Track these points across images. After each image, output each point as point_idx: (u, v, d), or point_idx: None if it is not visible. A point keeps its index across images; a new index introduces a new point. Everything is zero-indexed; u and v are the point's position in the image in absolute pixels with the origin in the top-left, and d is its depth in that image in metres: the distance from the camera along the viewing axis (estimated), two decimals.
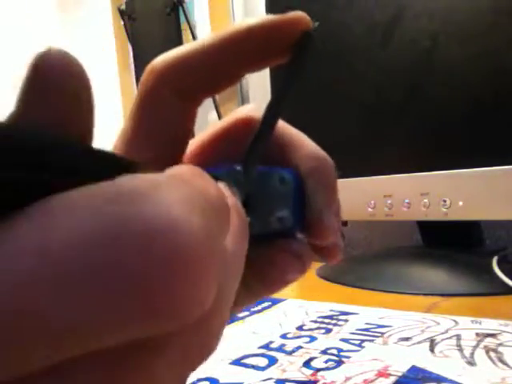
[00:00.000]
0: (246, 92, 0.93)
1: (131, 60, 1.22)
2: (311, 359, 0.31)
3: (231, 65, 0.16)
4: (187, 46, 0.16)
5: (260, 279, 0.17)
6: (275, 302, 0.47)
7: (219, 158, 0.18)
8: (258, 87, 0.73)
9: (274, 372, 0.30)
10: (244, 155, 0.15)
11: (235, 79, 0.17)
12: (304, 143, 0.18)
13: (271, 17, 0.15)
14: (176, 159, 0.17)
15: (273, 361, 0.32)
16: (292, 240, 0.17)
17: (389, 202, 0.55)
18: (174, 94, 0.16)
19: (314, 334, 0.37)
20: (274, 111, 0.15)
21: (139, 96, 0.16)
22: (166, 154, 0.17)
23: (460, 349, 0.31)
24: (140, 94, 0.16)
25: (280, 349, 0.34)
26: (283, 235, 0.17)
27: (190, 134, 0.18)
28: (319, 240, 0.17)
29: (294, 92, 0.16)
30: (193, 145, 0.18)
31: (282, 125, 0.18)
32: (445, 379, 0.27)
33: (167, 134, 0.17)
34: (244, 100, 0.96)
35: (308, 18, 0.15)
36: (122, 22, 1.16)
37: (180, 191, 0.09)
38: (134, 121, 0.16)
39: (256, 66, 0.16)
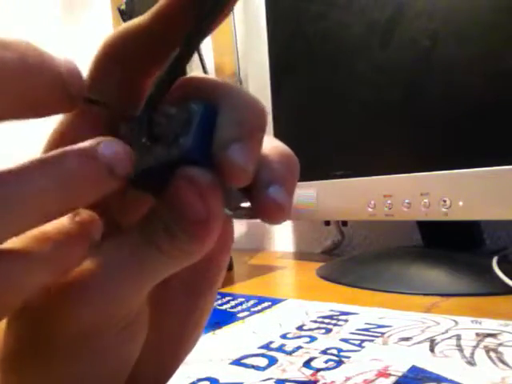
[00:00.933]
0: None
1: None
2: (311, 359, 0.31)
3: (170, 29, 0.16)
4: (133, 21, 0.17)
5: (169, 218, 0.15)
6: (275, 302, 0.47)
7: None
8: (258, 87, 0.73)
9: (274, 372, 0.30)
10: (151, 91, 0.16)
11: (172, 43, 0.17)
12: (226, 85, 0.16)
13: None
14: None
15: (273, 361, 0.32)
16: (191, 166, 0.15)
17: (389, 202, 0.55)
18: (120, 68, 0.17)
19: (314, 333, 0.37)
20: (185, 50, 0.15)
21: (88, 70, 0.17)
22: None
23: (460, 349, 0.31)
24: (89, 67, 0.17)
25: (280, 349, 0.34)
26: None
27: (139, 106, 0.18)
28: (228, 181, 0.15)
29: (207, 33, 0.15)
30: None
31: (203, 75, 0.17)
32: (445, 379, 0.27)
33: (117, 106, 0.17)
34: None
35: None
36: (122, 22, 1.16)
37: None
38: None
39: (186, 23, 0.16)
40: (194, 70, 1.02)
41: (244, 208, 0.18)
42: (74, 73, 0.13)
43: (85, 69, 0.15)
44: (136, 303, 0.16)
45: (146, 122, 0.16)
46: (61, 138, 0.17)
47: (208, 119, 0.15)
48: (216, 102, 0.16)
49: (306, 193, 0.62)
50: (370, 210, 0.57)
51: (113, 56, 0.17)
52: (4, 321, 0.17)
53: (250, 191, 0.16)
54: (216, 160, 0.15)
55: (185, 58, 0.15)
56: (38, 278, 0.13)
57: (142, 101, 0.18)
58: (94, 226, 0.15)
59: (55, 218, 0.13)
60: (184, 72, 0.16)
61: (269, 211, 0.16)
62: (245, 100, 0.16)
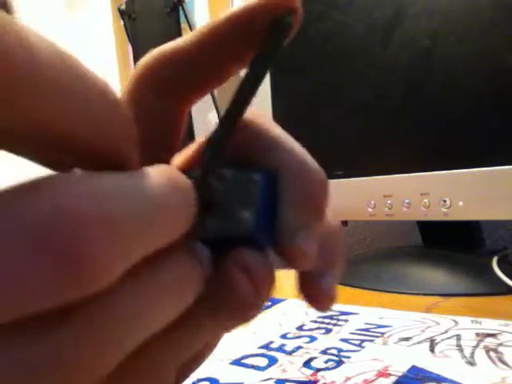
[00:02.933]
0: None
1: (131, 60, 1.22)
2: (311, 359, 0.31)
3: (213, 58, 0.15)
4: (170, 44, 0.16)
5: (217, 298, 0.14)
6: (275, 302, 0.47)
7: None
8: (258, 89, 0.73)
9: (274, 372, 0.30)
10: (201, 157, 0.14)
11: (223, 74, 0.16)
12: (287, 144, 0.15)
13: (247, 2, 0.14)
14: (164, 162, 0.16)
15: (273, 361, 0.32)
16: (247, 251, 0.14)
17: (389, 202, 0.55)
18: (153, 95, 0.16)
19: (314, 334, 0.37)
20: (236, 107, 0.14)
21: (122, 99, 0.16)
22: (152, 157, 0.16)
23: (460, 349, 0.31)
24: (123, 96, 0.16)
25: (280, 349, 0.34)
26: (249, 247, 0.14)
27: (179, 134, 0.17)
28: (290, 264, 0.14)
29: (261, 83, 0.14)
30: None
31: (263, 123, 0.15)
32: (445, 379, 0.27)
33: (151, 135, 0.16)
34: None
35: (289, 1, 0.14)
36: (122, 22, 1.16)
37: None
38: None
39: (240, 56, 0.15)
40: None
41: None
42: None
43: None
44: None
45: (201, 185, 0.13)
46: None
47: (269, 191, 0.14)
48: (277, 164, 0.14)
49: None
50: (370, 210, 0.57)
51: (148, 81, 0.16)
52: None
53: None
54: (280, 244, 0.14)
55: (243, 108, 0.14)
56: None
57: (178, 132, 0.16)
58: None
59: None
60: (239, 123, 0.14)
61: (319, 301, 0.16)
62: (311, 172, 0.15)
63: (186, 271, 0.12)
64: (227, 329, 0.15)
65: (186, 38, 0.15)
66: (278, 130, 0.16)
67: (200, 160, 0.14)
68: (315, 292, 0.16)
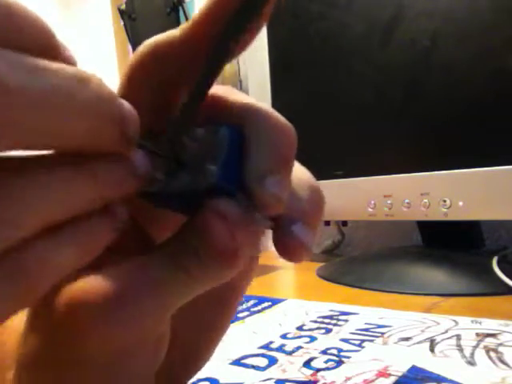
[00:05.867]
0: (246, 93, 0.93)
1: None
2: (311, 359, 0.31)
3: (197, 44, 0.16)
4: (164, 34, 0.16)
5: (199, 246, 0.15)
6: (275, 302, 0.47)
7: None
8: (258, 87, 0.73)
9: (274, 372, 0.30)
10: (178, 113, 0.15)
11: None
12: (254, 103, 0.16)
13: None
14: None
15: (273, 361, 0.32)
16: (221, 200, 0.15)
17: (389, 202, 0.55)
18: (149, 79, 0.17)
19: (314, 333, 0.37)
20: (208, 72, 0.15)
21: (120, 84, 0.17)
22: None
23: (460, 349, 0.31)
24: (121, 81, 0.17)
25: (280, 349, 0.34)
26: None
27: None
28: (262, 210, 0.15)
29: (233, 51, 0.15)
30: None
31: (230, 90, 0.17)
32: (445, 379, 0.27)
33: (150, 119, 0.17)
34: None
35: None
36: (122, 22, 1.16)
37: None
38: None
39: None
40: None
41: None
42: (133, 116, 0.13)
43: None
44: (160, 324, 0.16)
45: (172, 144, 0.15)
46: None
47: (236, 145, 0.15)
48: (245, 123, 0.15)
49: None
50: (370, 210, 0.57)
51: (144, 70, 0.17)
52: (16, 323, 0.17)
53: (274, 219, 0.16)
54: (250, 191, 0.15)
55: (213, 75, 0.15)
56: (66, 257, 0.13)
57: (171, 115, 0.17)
58: (118, 205, 0.15)
59: (81, 209, 0.13)
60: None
61: (289, 249, 0.16)
62: (277, 125, 0.16)
63: (91, 169, 0.13)
64: (215, 279, 0.15)
65: (181, 28, 0.16)
66: (243, 95, 0.16)
67: (172, 121, 0.15)
68: (285, 239, 0.16)
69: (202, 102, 0.15)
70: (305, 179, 0.18)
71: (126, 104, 0.13)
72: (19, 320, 0.17)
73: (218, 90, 0.16)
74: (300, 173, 0.18)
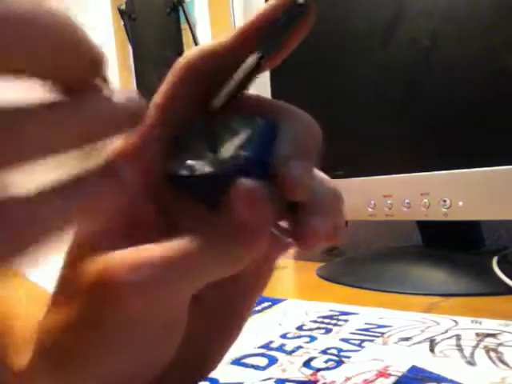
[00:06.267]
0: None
1: (131, 60, 1.22)
2: (311, 359, 0.31)
3: (243, 50, 0.17)
4: (209, 43, 0.18)
5: (222, 223, 0.16)
6: (275, 301, 0.47)
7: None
8: (258, 87, 0.73)
9: (274, 372, 0.30)
10: (213, 101, 0.17)
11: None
12: (287, 105, 0.18)
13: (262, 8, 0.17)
14: None
15: (273, 361, 0.32)
16: (248, 179, 0.16)
17: (389, 202, 0.55)
18: (195, 82, 0.18)
19: (314, 333, 0.37)
20: (254, 67, 0.16)
21: (169, 84, 0.18)
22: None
23: (460, 349, 0.31)
24: (163, 88, 0.18)
25: (280, 349, 0.34)
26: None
27: None
28: (286, 195, 0.16)
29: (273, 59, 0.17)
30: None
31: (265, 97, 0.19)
32: (445, 379, 0.27)
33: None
34: None
35: None
36: (122, 22, 1.16)
37: None
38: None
39: None
40: None
41: (281, 228, 0.19)
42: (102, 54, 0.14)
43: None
44: (181, 302, 0.17)
45: (209, 132, 0.16)
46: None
47: (269, 135, 0.16)
48: (277, 119, 0.17)
49: None
50: (370, 209, 0.57)
51: (193, 73, 0.18)
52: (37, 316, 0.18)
53: (294, 213, 0.17)
54: (277, 174, 0.16)
55: (254, 72, 0.16)
56: (60, 213, 0.13)
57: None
58: (122, 165, 0.15)
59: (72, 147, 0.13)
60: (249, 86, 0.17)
61: (307, 238, 0.17)
62: (304, 120, 0.18)
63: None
64: (235, 262, 0.16)
65: (228, 35, 0.18)
66: (279, 101, 0.19)
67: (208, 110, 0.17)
68: (303, 229, 0.17)
69: (241, 93, 0.17)
70: (327, 180, 0.19)
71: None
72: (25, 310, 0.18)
73: (252, 94, 0.18)
74: (323, 175, 0.20)
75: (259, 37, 0.17)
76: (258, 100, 0.18)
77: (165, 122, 0.18)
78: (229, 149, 0.16)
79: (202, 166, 0.16)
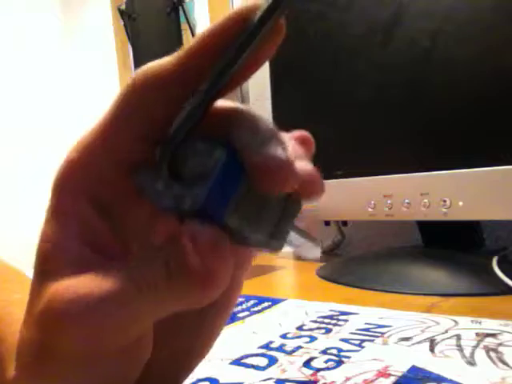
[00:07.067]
0: (247, 93, 0.93)
1: (131, 60, 1.22)
2: (311, 359, 0.31)
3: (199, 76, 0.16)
4: (155, 63, 0.16)
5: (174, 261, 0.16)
6: (275, 301, 0.47)
7: None
8: (258, 87, 0.73)
9: (274, 372, 0.30)
10: (172, 130, 0.15)
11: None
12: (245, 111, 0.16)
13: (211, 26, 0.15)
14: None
15: (273, 361, 0.31)
16: (196, 223, 0.14)
17: (389, 202, 0.55)
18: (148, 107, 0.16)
19: (314, 333, 0.37)
20: (216, 82, 0.14)
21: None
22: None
23: (460, 349, 0.31)
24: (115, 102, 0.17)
25: (280, 349, 0.34)
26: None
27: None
28: (267, 185, 0.15)
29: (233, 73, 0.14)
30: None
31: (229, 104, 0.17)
32: (445, 379, 0.27)
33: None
34: (244, 100, 0.96)
35: (251, 5, 0.14)
36: (122, 22, 1.16)
37: None
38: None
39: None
40: None
41: (297, 230, 0.18)
42: None
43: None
44: (140, 329, 0.16)
45: (169, 154, 0.15)
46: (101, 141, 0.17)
47: (230, 169, 0.15)
48: (236, 131, 0.15)
49: None
50: (370, 210, 0.57)
51: (139, 96, 0.16)
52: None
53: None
54: (254, 167, 0.15)
55: (214, 91, 0.15)
56: None
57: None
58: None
59: None
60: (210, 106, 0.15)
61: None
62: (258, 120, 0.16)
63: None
64: (187, 300, 0.15)
65: (169, 58, 0.16)
66: (243, 108, 0.16)
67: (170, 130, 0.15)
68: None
69: (204, 114, 0.15)
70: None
71: None
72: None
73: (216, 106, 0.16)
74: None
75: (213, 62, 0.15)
76: (218, 115, 0.16)
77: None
78: (191, 180, 0.14)
79: (165, 195, 0.15)
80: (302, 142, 0.19)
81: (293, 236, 0.18)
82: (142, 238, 0.18)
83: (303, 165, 0.17)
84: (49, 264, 0.16)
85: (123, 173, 0.16)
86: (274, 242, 0.17)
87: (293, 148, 0.17)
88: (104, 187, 0.17)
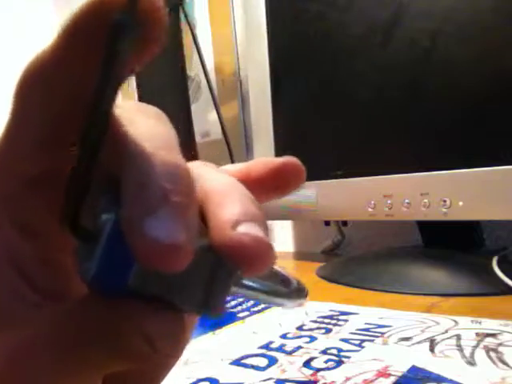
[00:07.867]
0: (246, 93, 0.93)
1: None
2: (311, 359, 0.31)
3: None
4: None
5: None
6: None
7: None
8: (258, 87, 0.73)
9: (274, 372, 0.30)
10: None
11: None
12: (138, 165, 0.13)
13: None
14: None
15: (273, 361, 0.31)
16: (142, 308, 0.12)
17: (389, 202, 0.55)
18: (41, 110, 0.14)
19: (314, 333, 0.37)
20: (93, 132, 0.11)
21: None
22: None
23: (460, 349, 0.31)
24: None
25: (280, 349, 0.34)
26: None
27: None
28: (157, 266, 0.11)
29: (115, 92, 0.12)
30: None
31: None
32: (445, 379, 0.27)
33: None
34: (244, 100, 0.96)
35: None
36: None
37: None
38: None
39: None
40: (193, 70, 1.02)
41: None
42: None
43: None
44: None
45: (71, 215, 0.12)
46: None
47: (120, 234, 0.12)
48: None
49: (306, 193, 0.62)
50: (370, 210, 0.57)
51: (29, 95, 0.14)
52: None
53: None
54: (134, 250, 0.11)
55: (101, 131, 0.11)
56: None
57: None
58: None
59: None
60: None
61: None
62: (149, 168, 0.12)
63: None
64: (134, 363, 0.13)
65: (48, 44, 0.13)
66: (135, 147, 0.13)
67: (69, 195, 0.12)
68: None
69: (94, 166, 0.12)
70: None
71: None
72: None
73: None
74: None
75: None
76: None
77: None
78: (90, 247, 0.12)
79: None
80: (291, 172, 0.17)
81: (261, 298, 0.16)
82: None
83: (247, 230, 0.13)
84: None
85: (27, 187, 0.14)
86: (208, 309, 0.14)
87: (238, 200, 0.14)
88: (14, 204, 0.15)
